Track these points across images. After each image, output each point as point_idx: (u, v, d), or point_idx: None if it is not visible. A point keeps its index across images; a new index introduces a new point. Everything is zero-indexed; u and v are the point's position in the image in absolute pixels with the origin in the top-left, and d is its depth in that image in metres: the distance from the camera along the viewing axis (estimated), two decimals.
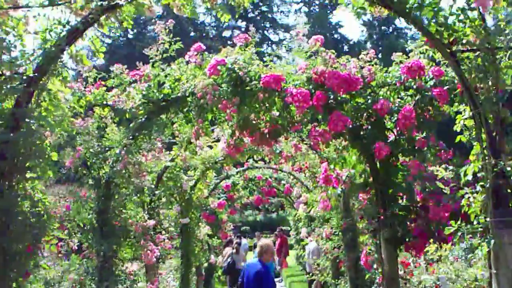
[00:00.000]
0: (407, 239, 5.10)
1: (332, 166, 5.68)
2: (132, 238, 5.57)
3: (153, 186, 7.80)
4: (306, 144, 7.59)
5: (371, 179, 5.39)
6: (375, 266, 5.16)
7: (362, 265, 7.94)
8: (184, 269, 9.90)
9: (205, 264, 13.64)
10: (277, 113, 5.49)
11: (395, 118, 5.06)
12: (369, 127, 5.17)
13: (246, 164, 13.04)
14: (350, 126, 5.02)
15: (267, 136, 5.81)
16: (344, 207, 7.88)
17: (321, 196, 5.55)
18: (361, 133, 5.18)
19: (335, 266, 9.14)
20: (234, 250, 13.78)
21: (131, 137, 5.42)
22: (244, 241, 21.00)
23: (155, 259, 5.78)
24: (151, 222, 5.99)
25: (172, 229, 10.05)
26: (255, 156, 10.51)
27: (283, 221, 34.09)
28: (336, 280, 8.81)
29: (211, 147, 10.49)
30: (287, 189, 14.31)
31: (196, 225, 10.27)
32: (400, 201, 5.13)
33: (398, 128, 5.06)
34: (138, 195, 7.56)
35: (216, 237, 14.39)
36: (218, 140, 10.26)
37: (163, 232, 7.84)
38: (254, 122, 5.68)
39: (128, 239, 5.53)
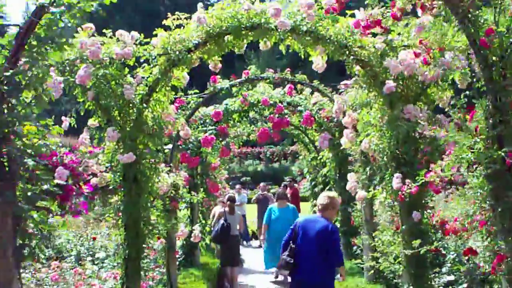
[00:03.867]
0: None
1: None
2: None
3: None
4: None
5: None
6: None
7: None
8: (128, 249, 5.22)
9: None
10: None
11: None
12: None
13: (245, 74, 8.16)
14: None
15: None
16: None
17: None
18: None
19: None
20: (227, 209, 9.13)
21: None
22: (243, 193, 16.39)
23: None
24: None
25: (105, 174, 5.34)
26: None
27: (287, 171, 30.92)
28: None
29: (180, 25, 5.70)
30: (307, 119, 9.40)
31: (153, 168, 5.50)
32: None
33: None
34: None
35: (202, 190, 9.75)
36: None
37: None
38: None
39: None
